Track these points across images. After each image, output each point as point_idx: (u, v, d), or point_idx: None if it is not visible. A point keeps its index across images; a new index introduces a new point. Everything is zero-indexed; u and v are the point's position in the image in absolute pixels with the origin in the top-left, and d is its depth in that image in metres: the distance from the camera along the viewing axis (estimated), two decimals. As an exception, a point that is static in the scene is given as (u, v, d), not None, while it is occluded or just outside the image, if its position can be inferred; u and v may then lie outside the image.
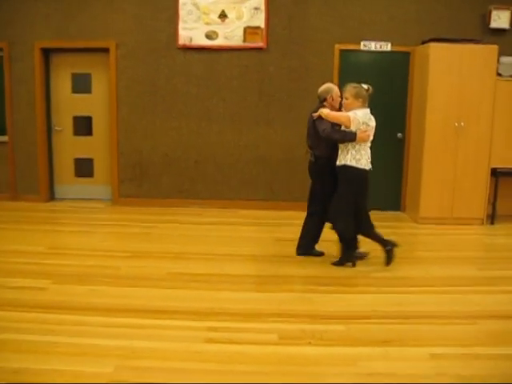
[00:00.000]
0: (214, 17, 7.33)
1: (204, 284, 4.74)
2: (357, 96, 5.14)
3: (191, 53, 7.46)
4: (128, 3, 7.43)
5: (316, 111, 5.23)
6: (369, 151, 5.27)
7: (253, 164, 7.64)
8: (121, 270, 5.07)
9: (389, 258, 5.25)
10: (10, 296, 4.37)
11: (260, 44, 7.38)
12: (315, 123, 5.25)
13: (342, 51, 7.47)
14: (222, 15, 7.32)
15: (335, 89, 5.46)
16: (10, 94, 7.77)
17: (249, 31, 7.35)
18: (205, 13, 7.32)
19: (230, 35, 7.36)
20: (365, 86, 5.22)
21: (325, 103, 5.34)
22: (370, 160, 5.28)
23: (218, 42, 7.38)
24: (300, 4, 7.36)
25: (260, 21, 7.32)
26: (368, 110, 5.22)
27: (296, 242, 5.73)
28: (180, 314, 4.09)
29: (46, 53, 7.78)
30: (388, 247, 5.27)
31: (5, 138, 7.86)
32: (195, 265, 5.27)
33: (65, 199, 8.11)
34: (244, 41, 7.37)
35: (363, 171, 5.20)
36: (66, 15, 7.51)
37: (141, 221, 7.04)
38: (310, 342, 3.64)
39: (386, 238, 5.32)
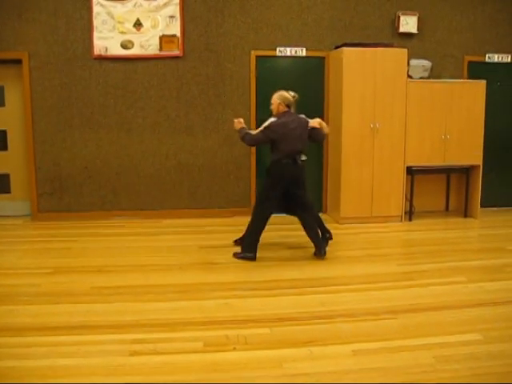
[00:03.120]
0: (129, 26, 7.26)
1: (128, 296, 4.68)
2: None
3: (107, 63, 7.35)
4: (40, 13, 7.24)
5: (301, 119, 5.75)
6: None
7: (174, 172, 7.60)
8: (41, 287, 4.92)
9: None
10: None
11: (176, 52, 7.37)
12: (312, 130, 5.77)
13: (259, 57, 7.55)
14: (137, 24, 7.26)
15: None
16: None
17: (165, 39, 7.31)
18: (120, 22, 7.24)
19: (146, 44, 7.31)
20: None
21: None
22: None
23: (134, 51, 7.31)
24: (215, 11, 7.40)
25: (176, 29, 7.31)
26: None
27: (220, 249, 5.78)
28: (104, 328, 4.01)
29: (-45, 65, 7.50)
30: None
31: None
32: (119, 277, 5.19)
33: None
34: (160, 49, 7.33)
35: None
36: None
37: (62, 235, 6.87)
38: (234, 348, 3.65)
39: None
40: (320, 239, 5.86)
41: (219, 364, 3.45)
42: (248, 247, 5.73)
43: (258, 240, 5.72)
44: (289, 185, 5.73)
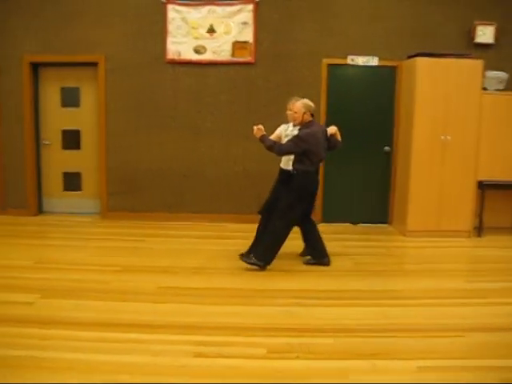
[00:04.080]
0: (203, 31, 7.38)
1: (193, 298, 4.74)
2: None
3: (179, 67, 7.49)
4: (117, 18, 7.47)
5: (322, 126, 5.78)
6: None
7: (241, 178, 7.66)
8: (110, 284, 5.06)
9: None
10: None
11: (248, 58, 7.43)
12: (330, 138, 5.73)
13: (330, 66, 7.53)
14: (211, 30, 7.37)
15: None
16: (-1, 108, 7.79)
17: (237, 46, 7.40)
18: (193, 27, 7.37)
19: (219, 50, 7.41)
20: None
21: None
22: (285, 162, 5.97)
23: (207, 56, 7.43)
24: (288, 19, 7.43)
25: (248, 35, 7.38)
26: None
27: (283, 256, 5.79)
28: (169, 328, 4.08)
29: (35, 67, 7.80)
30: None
31: (-8, 152, 7.86)
32: (184, 279, 5.28)
33: (53, 213, 8.09)
34: (232, 55, 7.42)
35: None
36: (55, 29, 7.54)
37: (129, 235, 7.04)
38: (297, 356, 3.65)
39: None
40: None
41: (282, 371, 3.45)
42: (266, 258, 5.61)
43: (277, 253, 5.66)
44: (313, 196, 5.77)
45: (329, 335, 4.01)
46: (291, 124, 5.83)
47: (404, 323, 4.30)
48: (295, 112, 5.57)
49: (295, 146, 5.43)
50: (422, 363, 3.58)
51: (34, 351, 3.63)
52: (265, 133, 5.55)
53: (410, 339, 3.99)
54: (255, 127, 5.55)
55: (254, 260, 5.58)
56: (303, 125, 5.53)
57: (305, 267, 5.77)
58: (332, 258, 5.98)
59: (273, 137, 5.87)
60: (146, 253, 6.21)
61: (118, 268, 5.55)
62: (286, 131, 5.92)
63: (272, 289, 5.05)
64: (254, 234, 5.91)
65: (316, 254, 5.88)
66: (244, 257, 5.68)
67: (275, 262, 5.71)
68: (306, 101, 5.60)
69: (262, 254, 5.59)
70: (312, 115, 5.58)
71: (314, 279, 5.36)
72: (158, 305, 4.57)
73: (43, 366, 3.43)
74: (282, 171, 5.94)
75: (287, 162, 5.84)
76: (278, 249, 5.61)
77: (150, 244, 6.60)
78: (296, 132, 5.61)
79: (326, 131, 5.70)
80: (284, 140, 5.78)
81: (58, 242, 6.67)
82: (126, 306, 4.54)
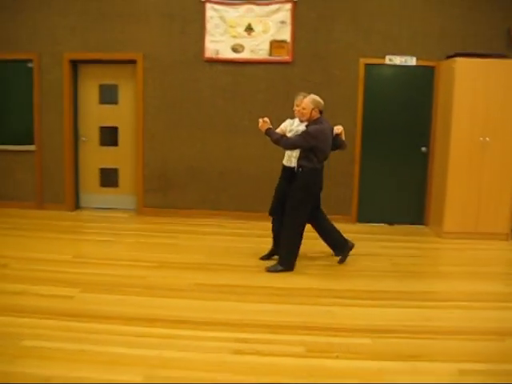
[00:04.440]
0: (241, 30, 7.40)
1: (231, 295, 4.77)
2: None
3: (217, 65, 7.53)
4: (156, 16, 7.54)
5: (330, 124, 5.58)
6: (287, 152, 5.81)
7: (276, 176, 7.63)
8: (148, 279, 5.12)
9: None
10: (38, 304, 4.43)
11: (286, 58, 7.43)
12: (335, 137, 5.64)
13: (367, 65, 7.49)
14: (249, 29, 7.39)
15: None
16: (39, 104, 7.89)
17: (275, 45, 7.40)
18: (231, 26, 7.40)
19: (256, 48, 7.42)
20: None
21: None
22: (287, 158, 5.85)
23: (244, 55, 7.45)
24: (325, 18, 7.40)
25: (286, 35, 7.38)
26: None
27: (320, 256, 5.85)
28: (208, 324, 4.12)
29: (74, 64, 7.91)
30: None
31: (32, 147, 7.97)
32: (221, 276, 5.31)
33: (89, 208, 8.20)
34: (270, 54, 7.43)
35: None
36: (95, 27, 7.63)
37: (165, 231, 7.10)
38: (337, 356, 3.65)
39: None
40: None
41: (322, 370, 3.45)
42: (290, 262, 5.56)
43: (298, 253, 5.62)
44: (320, 191, 5.77)
45: (367, 335, 4.00)
46: (297, 120, 5.75)
47: (443, 325, 4.26)
48: (303, 108, 5.46)
49: (303, 141, 5.33)
50: (463, 366, 3.55)
51: (75, 344, 3.70)
52: (271, 126, 5.47)
53: (450, 341, 3.96)
54: (261, 120, 5.47)
55: (280, 268, 5.52)
56: (311, 121, 5.44)
57: (341, 266, 5.77)
58: (369, 258, 6.02)
59: (277, 131, 5.76)
60: (181, 249, 6.26)
61: (154, 264, 5.61)
62: (290, 126, 5.82)
63: (310, 288, 5.05)
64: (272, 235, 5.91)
65: (339, 246, 5.89)
66: (269, 267, 5.57)
67: (312, 262, 5.73)
68: (315, 97, 5.51)
69: (285, 259, 5.55)
70: (321, 112, 5.48)
71: (351, 279, 5.35)
72: (196, 301, 4.60)
73: (85, 360, 3.49)
74: (285, 168, 5.85)
75: (289, 159, 5.75)
76: (298, 249, 5.58)
77: (185, 241, 6.64)
78: (302, 128, 5.54)
79: (333, 129, 5.62)
80: (289, 135, 5.66)
81: (95, 237, 6.76)
82: (165, 301, 4.59)
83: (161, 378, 3.28)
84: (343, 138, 5.69)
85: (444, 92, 7.29)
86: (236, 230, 7.27)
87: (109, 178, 8.18)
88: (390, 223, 7.70)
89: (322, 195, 7.22)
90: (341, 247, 5.87)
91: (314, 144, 5.30)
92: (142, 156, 7.79)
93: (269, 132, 5.43)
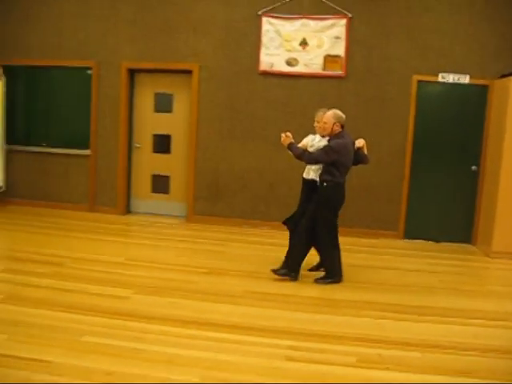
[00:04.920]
0: (296, 44, 7.52)
1: (280, 304, 4.85)
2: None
3: (271, 78, 7.66)
4: (213, 28, 7.73)
5: (352, 139, 5.55)
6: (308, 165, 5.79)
7: (325, 189, 7.72)
8: (198, 284, 5.24)
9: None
10: (95, 302, 4.59)
11: (339, 72, 7.52)
12: (357, 151, 5.61)
13: (420, 82, 7.51)
14: (303, 43, 7.51)
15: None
16: (96, 110, 8.16)
17: (328, 59, 7.50)
18: (286, 40, 7.53)
19: (310, 63, 7.53)
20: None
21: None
22: (306, 171, 5.85)
23: (298, 68, 7.57)
24: (380, 34, 7.47)
25: (340, 50, 7.47)
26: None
27: (367, 269, 5.86)
28: (259, 331, 4.20)
29: (131, 72, 8.16)
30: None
31: (88, 152, 8.24)
32: (270, 284, 5.39)
33: (140, 213, 8.40)
34: (323, 69, 7.53)
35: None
36: (152, 37, 7.87)
37: (214, 238, 7.22)
38: (388, 367, 3.69)
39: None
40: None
41: (372, 380, 3.51)
42: (335, 274, 5.55)
43: (341, 263, 5.63)
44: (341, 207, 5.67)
45: (417, 349, 4.02)
46: (318, 135, 5.74)
47: (491, 344, 4.24)
48: (325, 122, 5.46)
49: (326, 156, 5.32)
50: (512, 385, 3.57)
51: (132, 343, 3.84)
52: (293, 140, 5.50)
53: (499, 360, 3.95)
54: (283, 134, 5.52)
55: (328, 280, 5.54)
56: (333, 136, 5.43)
57: (384, 280, 5.78)
58: (416, 274, 6.03)
59: (299, 146, 5.76)
60: (230, 257, 6.37)
61: (204, 270, 5.73)
62: (312, 142, 5.79)
63: (357, 300, 5.09)
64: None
65: (334, 272, 5.68)
66: (318, 279, 5.59)
67: (358, 275, 5.79)
68: (337, 111, 5.51)
69: (331, 272, 5.58)
70: (342, 126, 5.47)
71: (398, 294, 5.36)
72: (248, 308, 4.70)
73: (142, 358, 3.61)
74: (304, 181, 5.85)
75: (308, 172, 5.76)
76: (339, 260, 5.60)
77: (234, 249, 6.77)
78: (323, 143, 5.53)
79: (354, 143, 5.61)
80: (309, 150, 5.67)
81: (146, 241, 6.92)
82: (216, 306, 4.70)
83: (216, 380, 3.37)
84: (365, 151, 5.68)
85: (497, 111, 7.26)
86: (284, 240, 7.32)
87: (160, 184, 8.38)
88: (437, 241, 7.68)
89: (370, 210, 7.29)
90: (335, 274, 5.65)
91: (335, 158, 5.31)
92: (194, 164, 7.95)
93: (291, 147, 5.48)
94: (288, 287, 5.34)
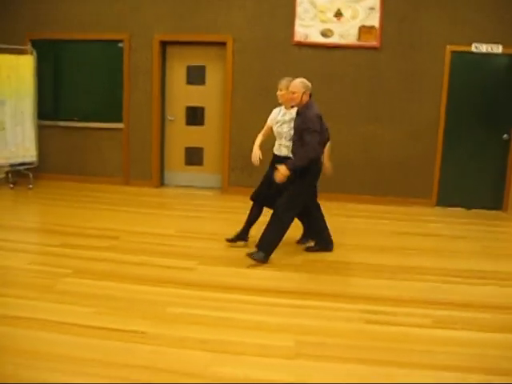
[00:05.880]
0: (330, 15, 7.57)
1: (343, 270, 5.04)
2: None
3: (306, 49, 7.72)
4: (246, 0, 7.74)
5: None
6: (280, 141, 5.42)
7: (361, 160, 7.88)
8: (257, 254, 5.38)
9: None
10: (162, 274, 4.70)
11: (374, 43, 7.58)
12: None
13: (453, 53, 7.59)
14: (338, 14, 7.55)
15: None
16: (128, 83, 8.21)
17: (363, 30, 7.56)
18: (321, 11, 7.57)
19: (345, 34, 7.59)
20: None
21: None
22: (276, 147, 5.49)
23: (333, 39, 7.62)
24: (413, 5, 7.52)
25: (374, 20, 7.52)
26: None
27: (413, 236, 6.07)
28: (334, 296, 4.36)
29: (163, 45, 8.17)
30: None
31: (121, 125, 8.31)
32: (325, 253, 5.54)
33: (173, 186, 8.50)
34: (358, 39, 7.59)
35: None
36: (186, 9, 7.89)
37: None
38: (462, 327, 3.86)
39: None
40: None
41: (450, 340, 3.67)
42: (271, 251, 5.16)
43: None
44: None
45: (485, 311, 4.19)
46: (282, 108, 5.41)
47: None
48: (293, 92, 4.99)
49: (316, 135, 4.91)
50: None
51: (217, 312, 3.97)
52: (285, 167, 4.88)
53: None
54: (278, 174, 4.93)
55: (260, 255, 5.09)
56: (302, 106, 5.05)
57: (431, 247, 5.95)
58: (458, 241, 6.21)
59: (265, 129, 5.54)
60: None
61: (253, 239, 5.83)
62: (277, 117, 5.44)
63: (415, 266, 5.25)
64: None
65: (322, 241, 5.61)
66: (249, 253, 5.12)
67: (415, 243, 5.99)
68: (304, 79, 5.06)
69: (268, 248, 5.13)
70: (310, 95, 5.06)
71: (449, 259, 5.53)
72: (315, 275, 4.85)
73: (234, 326, 3.76)
74: (278, 158, 5.43)
75: (279, 148, 5.44)
76: (281, 240, 5.19)
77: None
78: (289, 116, 5.24)
79: None
80: (276, 127, 5.36)
81: (188, 213, 7.03)
82: (283, 274, 4.85)
83: (310, 344, 3.52)
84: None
85: (530, 80, 7.37)
86: (324, 209, 7.41)
87: (194, 156, 8.46)
88: (468, 208, 7.84)
89: (404, 180, 7.44)
90: (324, 242, 5.60)
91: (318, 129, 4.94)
92: (229, 136, 8.04)
93: (290, 168, 4.91)
94: (346, 256, 5.50)
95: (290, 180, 4.96)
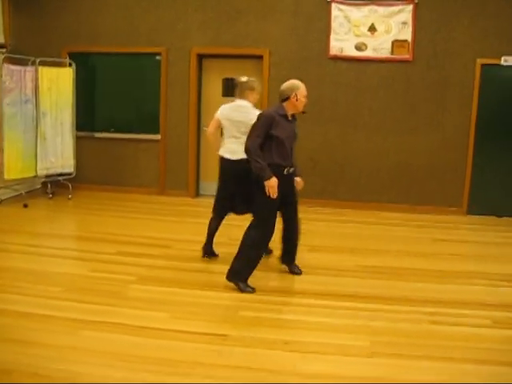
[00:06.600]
0: (364, 30, 7.81)
1: (397, 276, 5.24)
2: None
3: (341, 63, 7.95)
4: (283, 14, 8.00)
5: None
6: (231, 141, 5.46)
7: (394, 169, 8.10)
8: (312, 261, 5.56)
9: None
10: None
11: (406, 56, 7.81)
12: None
13: (483, 66, 7.80)
14: (372, 28, 7.78)
15: (302, 87, 5.09)
16: (165, 96, 8.43)
17: (396, 44, 7.79)
18: (355, 25, 7.81)
19: (379, 47, 7.83)
20: (243, 79, 5.51)
21: (284, 104, 5.01)
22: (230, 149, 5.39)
23: (367, 53, 7.86)
24: (445, 19, 7.74)
25: (407, 35, 7.75)
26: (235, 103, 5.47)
27: (450, 243, 6.27)
28: (395, 300, 4.58)
29: (200, 58, 8.40)
30: None
31: (158, 136, 8.52)
32: (371, 259, 5.77)
33: (209, 196, 8.62)
34: (392, 53, 7.82)
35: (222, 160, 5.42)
36: (222, 23, 8.14)
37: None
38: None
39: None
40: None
41: (509, 338, 3.92)
42: (247, 275, 4.74)
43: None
44: None
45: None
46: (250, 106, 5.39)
47: None
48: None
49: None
50: None
51: (295, 315, 4.21)
52: (267, 175, 4.51)
53: None
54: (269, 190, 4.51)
55: (240, 285, 4.68)
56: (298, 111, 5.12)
57: (471, 252, 6.19)
58: (494, 247, 6.52)
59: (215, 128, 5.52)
60: (318, 235, 6.71)
61: (307, 247, 5.97)
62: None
63: (461, 271, 5.48)
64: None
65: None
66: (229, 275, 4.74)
67: (452, 249, 6.22)
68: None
69: (243, 273, 4.72)
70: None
71: (494, 264, 5.76)
72: (372, 281, 5.06)
73: (309, 328, 3.98)
74: (232, 162, 5.31)
75: (235, 151, 5.32)
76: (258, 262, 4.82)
77: (312, 226, 7.04)
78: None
79: None
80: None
81: (232, 221, 7.05)
82: (344, 280, 5.06)
83: (384, 343, 3.74)
84: None
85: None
86: (358, 218, 7.71)
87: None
88: (499, 215, 8.03)
89: (434, 188, 7.66)
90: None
91: None
92: (264, 147, 8.21)
93: (261, 171, 4.55)
94: (388, 261, 5.71)
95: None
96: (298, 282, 4.97)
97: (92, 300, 4.36)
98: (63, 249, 5.86)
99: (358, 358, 3.52)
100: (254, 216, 4.84)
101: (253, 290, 4.63)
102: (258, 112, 5.06)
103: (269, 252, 5.62)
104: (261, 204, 4.67)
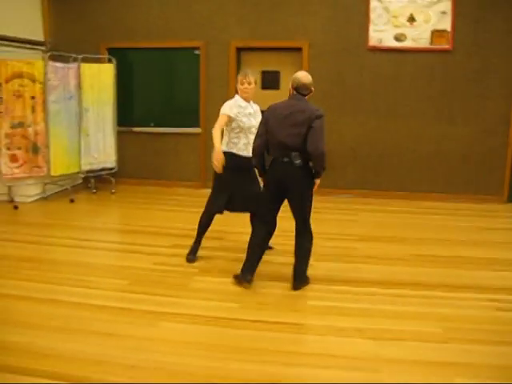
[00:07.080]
0: (403, 20, 7.85)
1: (450, 264, 5.33)
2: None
3: (380, 53, 8.01)
4: (321, 6, 8.05)
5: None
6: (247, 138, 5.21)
7: (434, 157, 8.15)
8: (361, 250, 5.69)
9: None
10: (287, 271, 4.77)
11: (446, 46, 7.84)
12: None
13: (524, 52, 7.81)
14: (411, 19, 7.83)
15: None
16: (205, 89, 8.54)
17: (436, 34, 7.82)
18: (394, 16, 7.85)
19: (418, 37, 7.87)
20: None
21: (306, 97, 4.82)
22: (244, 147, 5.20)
23: (406, 43, 7.90)
24: (485, 8, 7.75)
25: (446, 24, 7.78)
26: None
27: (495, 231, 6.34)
28: (457, 287, 4.69)
29: (238, 51, 8.49)
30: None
31: (198, 130, 8.64)
32: (420, 247, 5.86)
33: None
34: (431, 43, 7.86)
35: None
36: (261, 16, 8.21)
37: (340, 208, 7.69)
38: None
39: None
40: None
41: None
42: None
43: None
44: None
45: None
46: (241, 100, 5.36)
47: None
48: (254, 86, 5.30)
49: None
50: None
51: (358, 304, 4.31)
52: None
53: None
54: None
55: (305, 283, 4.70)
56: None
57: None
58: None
59: (221, 123, 5.21)
60: (363, 224, 6.81)
61: (354, 237, 6.16)
62: (245, 110, 5.35)
63: (496, 257, 5.60)
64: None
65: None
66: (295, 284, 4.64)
67: (498, 237, 6.32)
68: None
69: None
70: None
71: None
72: (425, 269, 5.15)
73: (379, 315, 4.09)
74: (241, 159, 5.19)
75: (247, 147, 5.20)
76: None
77: (356, 216, 7.24)
78: (250, 109, 5.31)
79: None
80: (246, 120, 5.25)
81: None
82: (392, 269, 5.15)
83: (455, 329, 3.84)
84: None
85: None
86: (402, 207, 7.80)
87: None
88: (537, 203, 8.11)
89: (474, 177, 7.73)
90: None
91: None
92: (305, 139, 8.29)
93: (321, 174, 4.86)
94: (435, 250, 5.79)
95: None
96: (355, 271, 5.05)
97: (161, 292, 4.48)
98: (119, 243, 6.02)
99: (435, 343, 3.62)
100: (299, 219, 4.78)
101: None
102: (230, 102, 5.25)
103: (269, 248, 5.44)
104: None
